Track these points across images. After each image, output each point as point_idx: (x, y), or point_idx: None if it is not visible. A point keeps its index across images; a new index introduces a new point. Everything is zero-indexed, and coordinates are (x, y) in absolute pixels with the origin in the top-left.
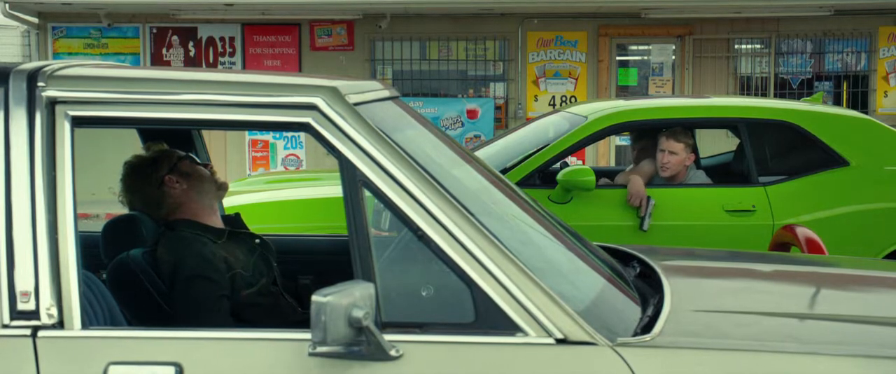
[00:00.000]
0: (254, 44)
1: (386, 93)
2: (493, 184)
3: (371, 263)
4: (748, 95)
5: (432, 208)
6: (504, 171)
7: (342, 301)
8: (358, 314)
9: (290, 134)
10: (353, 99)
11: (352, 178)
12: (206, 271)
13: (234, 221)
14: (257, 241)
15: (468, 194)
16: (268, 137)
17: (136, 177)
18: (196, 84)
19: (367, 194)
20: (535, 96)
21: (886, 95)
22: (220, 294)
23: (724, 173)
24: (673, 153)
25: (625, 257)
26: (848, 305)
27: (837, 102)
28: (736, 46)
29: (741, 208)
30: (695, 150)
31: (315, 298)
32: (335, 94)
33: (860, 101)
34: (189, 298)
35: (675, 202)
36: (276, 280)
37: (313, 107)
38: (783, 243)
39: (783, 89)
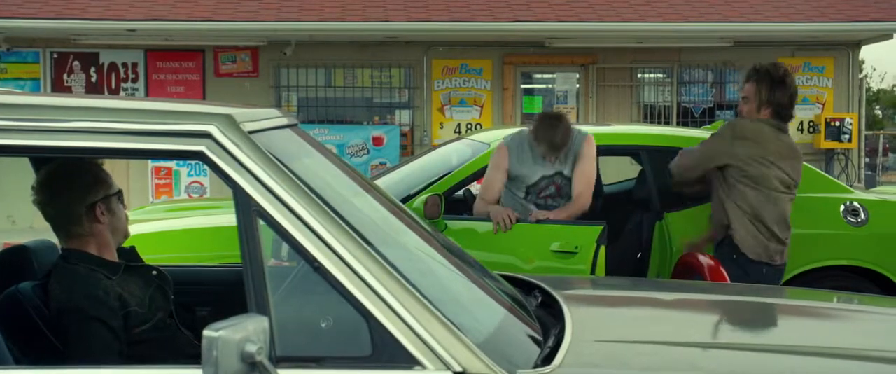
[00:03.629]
0: (157, 70)
1: (283, 120)
2: (393, 213)
3: (265, 295)
4: (651, 123)
5: (328, 238)
6: (407, 198)
7: (235, 336)
8: (251, 348)
9: (194, 161)
10: (248, 127)
11: (246, 208)
12: (99, 311)
13: (129, 254)
14: (154, 273)
15: (366, 224)
16: (171, 164)
17: (67, 189)
18: (86, 111)
19: (261, 224)
20: (441, 124)
21: None
22: (113, 334)
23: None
24: None
25: (526, 286)
26: (749, 334)
27: None
28: (639, 75)
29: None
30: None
31: (206, 332)
32: (230, 121)
33: None
34: (80, 338)
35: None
36: (172, 314)
37: (207, 135)
38: (686, 270)
39: (685, 118)
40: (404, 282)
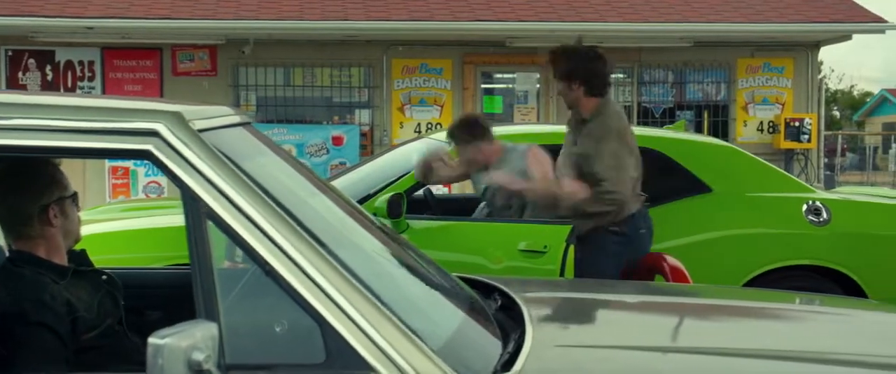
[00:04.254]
0: (114, 68)
1: (236, 118)
2: (349, 214)
3: (215, 300)
4: None
5: (280, 240)
6: (366, 197)
7: (181, 343)
8: (198, 356)
9: (141, 160)
10: (198, 125)
11: (195, 209)
12: (45, 316)
13: (79, 257)
14: (104, 278)
15: (320, 226)
16: (128, 164)
17: (20, 189)
18: (28, 108)
19: (211, 226)
20: (401, 123)
21: (745, 125)
22: (59, 341)
23: None
24: None
25: (486, 289)
26: (713, 337)
27: (698, 131)
28: None
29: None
30: None
31: (151, 340)
32: (178, 119)
33: (720, 130)
34: (25, 344)
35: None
36: (121, 320)
37: (154, 133)
38: (648, 271)
39: (646, 118)
40: (359, 286)
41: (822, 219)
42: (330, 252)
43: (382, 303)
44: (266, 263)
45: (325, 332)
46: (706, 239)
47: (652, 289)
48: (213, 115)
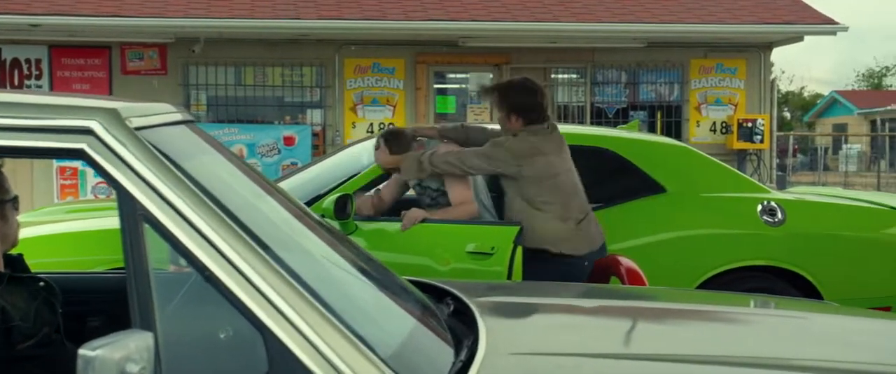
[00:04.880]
0: (62, 66)
1: (177, 116)
2: (296, 216)
3: (151, 308)
4: (566, 123)
5: (220, 244)
6: (317, 198)
7: (114, 355)
8: (133, 369)
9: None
10: (135, 122)
11: (131, 211)
12: None
13: (16, 262)
14: (41, 284)
15: (265, 229)
16: (77, 163)
17: None
18: None
19: (147, 229)
20: (353, 123)
21: (698, 125)
22: None
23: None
24: None
25: (437, 293)
26: (669, 343)
27: (652, 132)
28: (552, 76)
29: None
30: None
31: (82, 352)
32: (114, 116)
33: (674, 130)
34: None
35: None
36: (59, 328)
37: (88, 131)
38: (603, 273)
39: (599, 118)
40: (304, 292)
41: (776, 219)
42: (274, 257)
43: (329, 310)
44: (205, 268)
45: (267, 341)
46: (661, 240)
47: (608, 293)
48: (152, 112)
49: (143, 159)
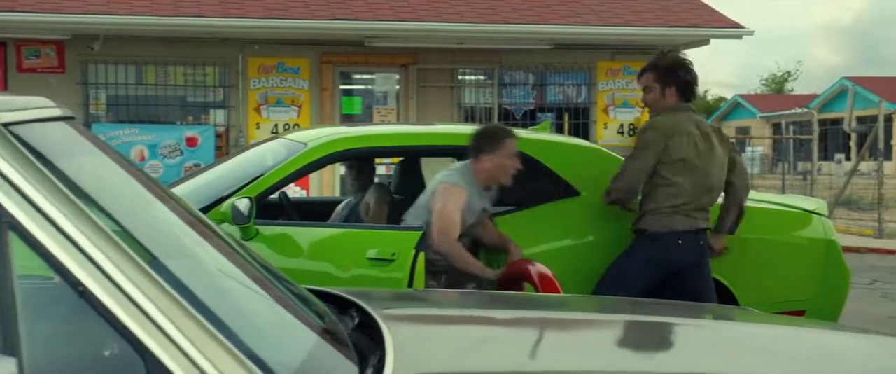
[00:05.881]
0: None
1: (56, 111)
2: (188, 224)
3: (15, 329)
4: (474, 125)
5: (96, 255)
6: (218, 201)
7: None
8: None
9: None
10: (4, 118)
11: None
12: None
13: None
14: None
15: (150, 238)
16: None
17: None
18: None
19: (13, 237)
20: (258, 124)
21: (606, 127)
22: None
23: None
24: None
25: (341, 304)
26: (584, 358)
27: (560, 133)
28: (460, 77)
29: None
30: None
31: None
32: None
33: (581, 132)
34: None
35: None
36: None
37: None
38: (515, 279)
39: (507, 120)
40: (191, 308)
41: None
42: (159, 269)
43: (219, 327)
44: (79, 282)
45: (148, 364)
46: (575, 244)
47: (522, 302)
48: (25, 107)
49: (9, 159)
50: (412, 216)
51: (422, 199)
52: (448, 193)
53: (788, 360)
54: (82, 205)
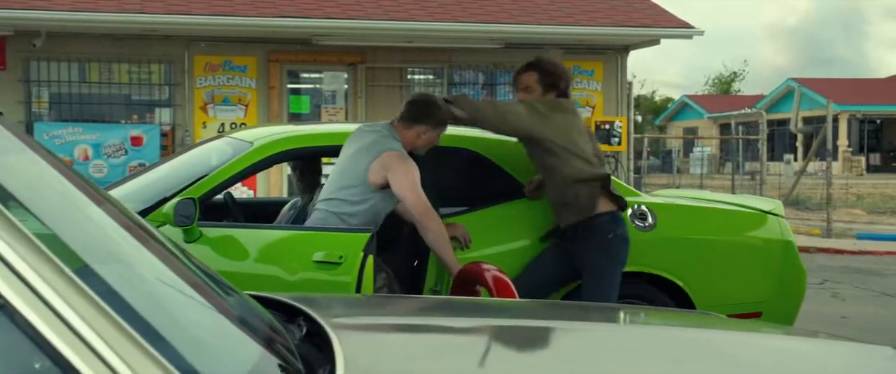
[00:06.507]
0: None
1: None
2: (124, 227)
3: None
4: None
5: (16, 262)
6: (161, 202)
7: None
8: None
9: None
10: None
11: None
12: None
13: None
14: None
15: (79, 243)
16: None
17: None
18: None
19: None
20: (204, 123)
21: None
22: None
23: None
24: None
25: (288, 311)
26: (541, 368)
27: None
28: (409, 76)
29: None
30: None
31: None
32: None
33: None
34: None
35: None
36: None
37: None
38: (469, 283)
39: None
40: (122, 321)
41: (647, 224)
42: (87, 276)
43: (154, 341)
44: None
45: None
46: (528, 245)
47: (476, 308)
48: None
49: None
50: (347, 178)
51: (356, 163)
52: (403, 163)
53: (741, 366)
54: (2, 207)
